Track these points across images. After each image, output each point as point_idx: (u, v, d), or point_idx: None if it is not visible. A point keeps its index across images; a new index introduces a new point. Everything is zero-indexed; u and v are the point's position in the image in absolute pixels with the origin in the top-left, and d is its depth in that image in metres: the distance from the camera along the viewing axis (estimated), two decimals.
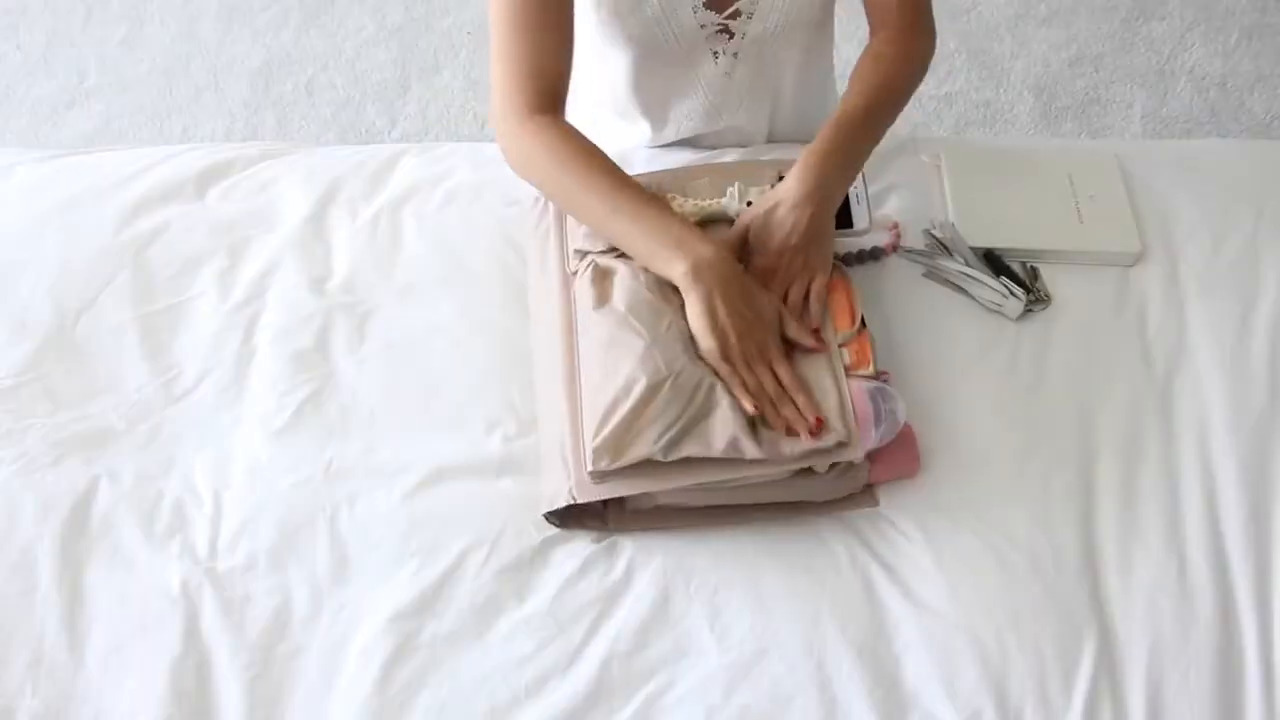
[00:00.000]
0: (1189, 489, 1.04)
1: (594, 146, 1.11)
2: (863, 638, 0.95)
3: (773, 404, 1.00)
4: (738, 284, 1.03)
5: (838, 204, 1.11)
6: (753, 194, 1.15)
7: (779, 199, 1.09)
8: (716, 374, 1.01)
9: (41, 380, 1.14)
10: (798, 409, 0.99)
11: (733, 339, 1.01)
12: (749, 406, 0.99)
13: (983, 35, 2.44)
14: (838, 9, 1.27)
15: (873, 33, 1.21)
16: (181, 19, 2.59)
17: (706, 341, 1.01)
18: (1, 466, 1.07)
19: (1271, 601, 0.97)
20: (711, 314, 1.01)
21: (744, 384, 1.00)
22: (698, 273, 1.02)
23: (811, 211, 1.07)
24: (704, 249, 1.03)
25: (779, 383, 1.01)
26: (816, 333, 1.06)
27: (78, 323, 1.19)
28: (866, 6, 1.21)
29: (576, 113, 1.19)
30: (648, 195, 1.08)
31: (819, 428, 0.98)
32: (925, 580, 0.98)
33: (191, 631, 0.97)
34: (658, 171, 1.21)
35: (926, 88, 2.33)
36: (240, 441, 1.09)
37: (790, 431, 0.99)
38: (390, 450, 1.07)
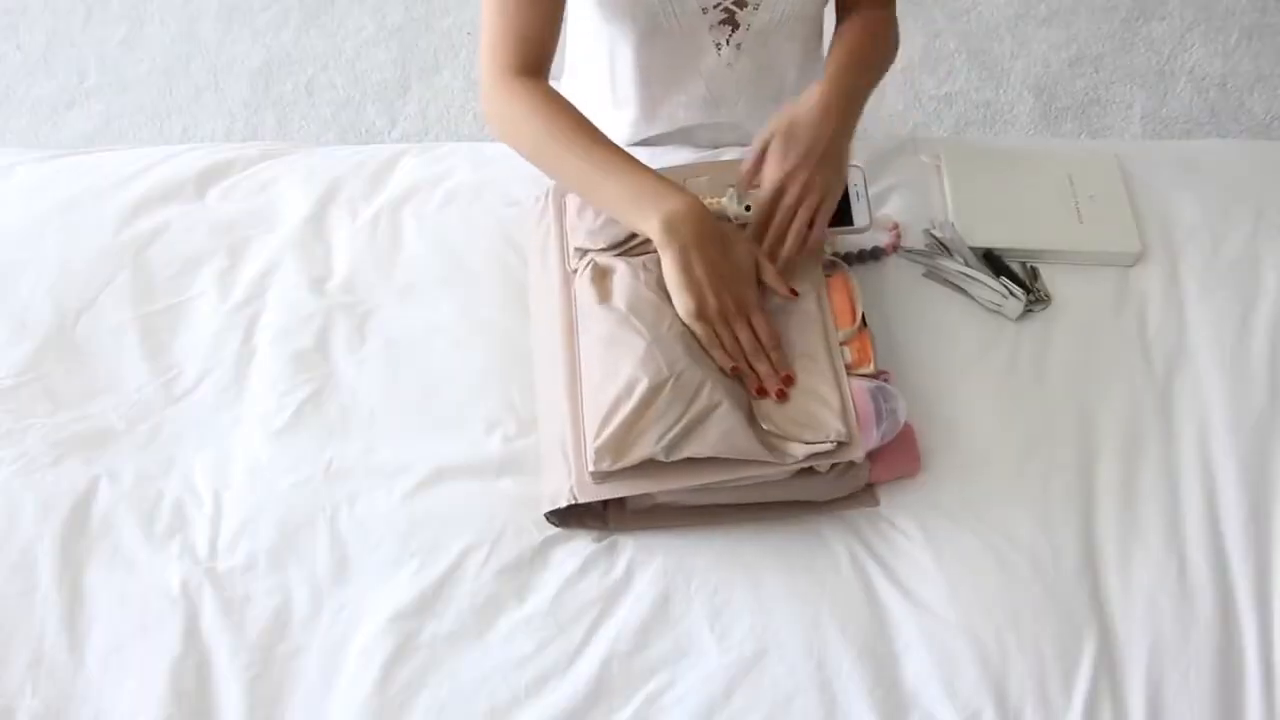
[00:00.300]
0: (1189, 489, 1.04)
1: (572, 107, 1.11)
2: (863, 638, 0.95)
3: (748, 361, 1.00)
4: (712, 235, 1.02)
5: (854, 126, 1.12)
6: (752, 196, 1.15)
7: (807, 105, 1.09)
8: (699, 339, 1.01)
9: (41, 380, 1.14)
10: (772, 365, 1.00)
11: (710, 297, 1.00)
12: (726, 365, 1.00)
13: (983, 35, 2.44)
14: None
15: (842, 15, 1.22)
16: (181, 19, 2.59)
17: (683, 300, 1.00)
18: (1, 466, 1.08)
19: (1271, 601, 0.97)
20: (688, 270, 1.00)
21: (721, 343, 1.01)
22: (671, 228, 1.00)
23: (836, 121, 1.08)
24: (677, 201, 1.02)
25: (755, 336, 1.01)
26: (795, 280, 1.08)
27: (78, 323, 1.19)
28: None
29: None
30: (622, 153, 1.08)
31: (788, 385, 0.99)
32: (925, 580, 0.98)
33: (191, 631, 0.97)
34: (659, 169, 1.21)
35: (926, 87, 2.33)
36: (240, 441, 1.09)
37: (760, 392, 0.99)
38: (390, 450, 1.07)
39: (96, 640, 0.97)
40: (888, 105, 2.30)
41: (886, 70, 1.20)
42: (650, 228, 1.02)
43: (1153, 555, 1.00)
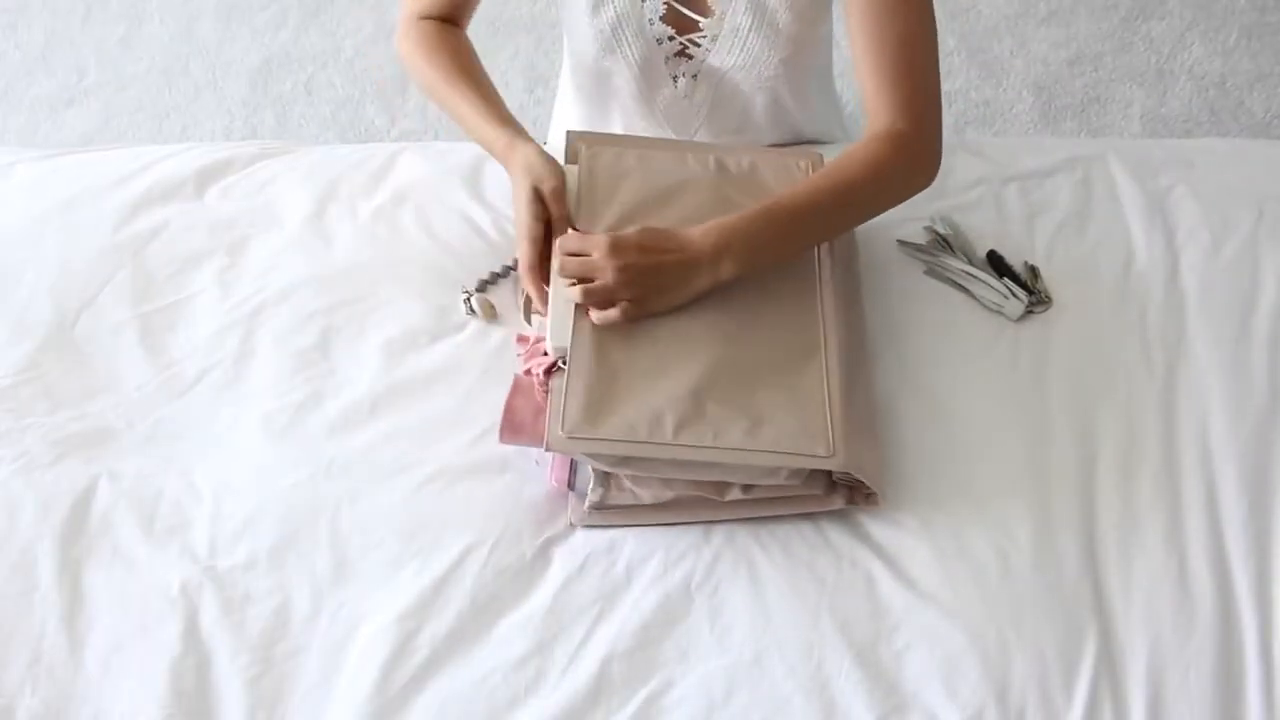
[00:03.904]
0: (1189, 489, 1.04)
1: (458, 50, 1.21)
2: (863, 637, 0.95)
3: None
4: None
5: (718, 283, 1.03)
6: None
7: (693, 236, 1.03)
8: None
9: (41, 379, 1.14)
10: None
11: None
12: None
13: (982, 34, 2.44)
14: None
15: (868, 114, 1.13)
16: (181, 18, 2.59)
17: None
18: (1, 466, 1.07)
19: (1272, 601, 0.97)
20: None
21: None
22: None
23: (690, 265, 1.02)
24: (526, 151, 1.10)
25: None
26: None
27: (77, 322, 1.19)
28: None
29: (559, 102, 1.30)
30: (476, 107, 1.15)
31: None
32: (926, 579, 0.98)
33: (191, 631, 0.97)
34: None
35: None
36: (240, 440, 1.09)
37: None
38: (391, 449, 1.07)
39: (96, 640, 0.97)
40: None
41: (874, 211, 1.11)
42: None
43: (1153, 555, 0.99)
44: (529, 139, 1.13)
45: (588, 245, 1.03)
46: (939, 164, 1.13)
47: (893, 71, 1.09)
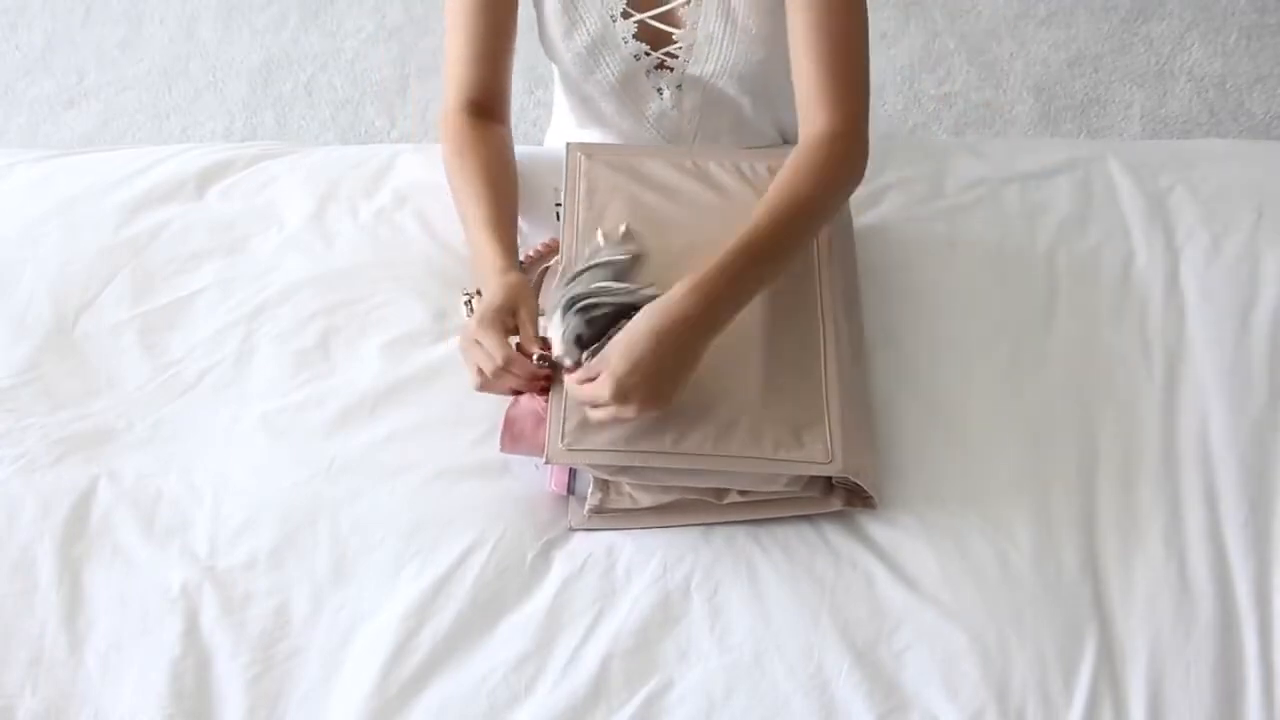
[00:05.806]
0: (1189, 489, 1.04)
1: (484, 152, 1.16)
2: (863, 638, 0.95)
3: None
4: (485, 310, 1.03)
5: (718, 333, 0.98)
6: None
7: (663, 311, 0.97)
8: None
9: (41, 380, 1.14)
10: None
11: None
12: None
13: (982, 35, 2.44)
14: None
15: (800, 129, 1.13)
16: (181, 18, 2.59)
17: None
18: (1, 466, 1.07)
19: (1271, 601, 0.97)
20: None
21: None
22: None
23: (688, 338, 0.96)
24: (490, 283, 1.06)
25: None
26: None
27: (77, 322, 1.19)
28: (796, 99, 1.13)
29: (557, 109, 1.27)
30: (478, 223, 1.11)
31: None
32: (926, 580, 0.98)
33: (191, 631, 0.97)
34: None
35: (925, 87, 2.33)
36: (241, 440, 1.09)
37: (515, 392, 1.03)
38: (392, 449, 1.07)
39: (96, 640, 0.97)
40: (887, 105, 2.30)
41: (822, 218, 1.10)
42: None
43: (1153, 555, 1.00)
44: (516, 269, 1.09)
45: (598, 394, 0.96)
46: (868, 158, 1.12)
47: (830, 73, 1.09)
